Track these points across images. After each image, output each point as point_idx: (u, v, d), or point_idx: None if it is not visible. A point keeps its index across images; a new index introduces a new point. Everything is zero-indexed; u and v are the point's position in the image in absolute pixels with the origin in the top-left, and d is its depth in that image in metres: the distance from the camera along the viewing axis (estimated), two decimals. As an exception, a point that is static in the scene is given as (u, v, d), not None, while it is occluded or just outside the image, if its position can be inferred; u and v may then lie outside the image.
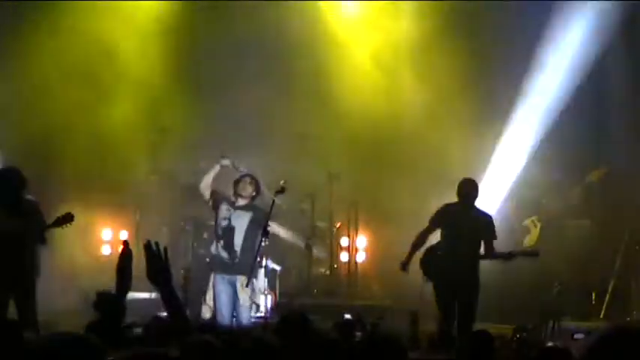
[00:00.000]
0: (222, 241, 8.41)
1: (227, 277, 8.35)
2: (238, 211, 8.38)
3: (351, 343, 4.52)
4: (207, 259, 11.76)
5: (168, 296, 3.70)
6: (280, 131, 11.56)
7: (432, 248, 8.94)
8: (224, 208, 8.49)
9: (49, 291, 8.62)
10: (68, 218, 7.90)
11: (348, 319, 7.62)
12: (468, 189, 8.90)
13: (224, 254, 8.36)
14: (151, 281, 3.69)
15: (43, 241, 8.02)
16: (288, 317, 5.15)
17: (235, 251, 8.30)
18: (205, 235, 12.20)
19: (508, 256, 8.84)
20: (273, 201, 8.25)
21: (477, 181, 9.07)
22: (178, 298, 3.73)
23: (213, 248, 8.60)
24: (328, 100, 11.46)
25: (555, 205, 11.17)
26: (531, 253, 9.09)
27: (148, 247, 3.71)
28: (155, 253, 3.71)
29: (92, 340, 2.82)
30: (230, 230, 8.35)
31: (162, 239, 12.02)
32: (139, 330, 4.90)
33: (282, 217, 8.85)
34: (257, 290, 8.93)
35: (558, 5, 11.13)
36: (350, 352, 3.88)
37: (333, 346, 4.28)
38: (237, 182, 8.51)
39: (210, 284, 8.49)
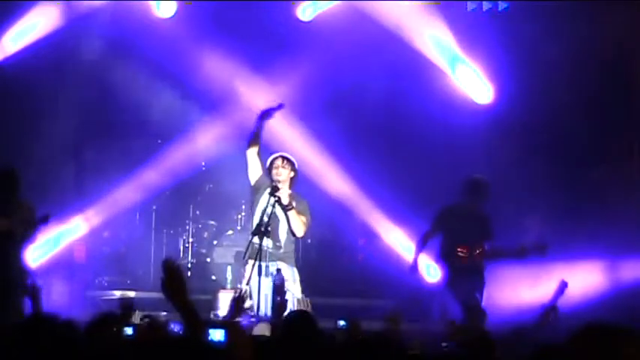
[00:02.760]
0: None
1: (270, 264, 7.90)
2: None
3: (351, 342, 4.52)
4: (208, 259, 11.91)
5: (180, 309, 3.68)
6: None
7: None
8: (269, 195, 7.99)
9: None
10: (46, 219, 8.01)
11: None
12: (473, 188, 8.87)
13: (268, 243, 7.93)
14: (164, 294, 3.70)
15: (31, 241, 8.12)
16: (294, 316, 5.15)
17: (280, 241, 8.09)
18: (205, 235, 12.22)
19: (520, 253, 8.62)
20: (274, 205, 8.06)
21: None
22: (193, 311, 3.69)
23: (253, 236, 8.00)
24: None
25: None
26: (541, 247, 8.63)
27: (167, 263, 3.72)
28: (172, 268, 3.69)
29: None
30: (276, 219, 7.99)
31: (163, 239, 12.22)
32: (129, 330, 4.90)
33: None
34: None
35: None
36: (351, 352, 3.89)
37: (337, 344, 4.30)
38: (270, 168, 8.12)
39: (249, 274, 7.84)
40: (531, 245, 8.67)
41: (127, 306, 5.98)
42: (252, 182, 8.26)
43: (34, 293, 4.91)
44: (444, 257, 8.81)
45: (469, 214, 8.80)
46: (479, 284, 8.72)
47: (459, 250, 8.71)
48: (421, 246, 8.91)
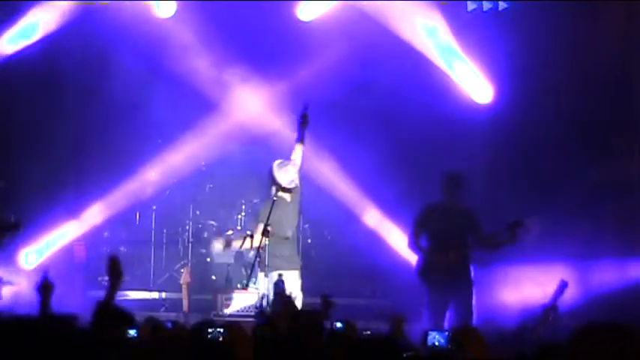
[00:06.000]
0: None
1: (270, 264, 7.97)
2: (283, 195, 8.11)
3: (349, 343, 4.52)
4: (208, 259, 11.91)
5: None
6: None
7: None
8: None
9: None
10: (14, 227, 8.01)
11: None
12: (452, 182, 8.71)
13: (268, 243, 7.99)
14: None
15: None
16: (300, 316, 5.14)
17: (279, 241, 8.04)
18: (205, 235, 12.20)
19: (494, 238, 8.45)
20: (274, 201, 8.07)
21: None
22: None
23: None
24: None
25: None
26: (516, 224, 8.34)
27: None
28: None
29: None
30: (275, 218, 7.99)
31: (163, 239, 12.20)
32: (133, 331, 4.88)
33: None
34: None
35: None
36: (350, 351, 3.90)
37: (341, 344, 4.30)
38: None
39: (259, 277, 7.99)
40: (505, 227, 8.37)
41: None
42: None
43: (46, 289, 4.84)
44: (422, 273, 8.66)
45: (450, 211, 8.64)
46: (466, 283, 8.61)
47: (437, 258, 8.57)
48: (418, 249, 8.78)
